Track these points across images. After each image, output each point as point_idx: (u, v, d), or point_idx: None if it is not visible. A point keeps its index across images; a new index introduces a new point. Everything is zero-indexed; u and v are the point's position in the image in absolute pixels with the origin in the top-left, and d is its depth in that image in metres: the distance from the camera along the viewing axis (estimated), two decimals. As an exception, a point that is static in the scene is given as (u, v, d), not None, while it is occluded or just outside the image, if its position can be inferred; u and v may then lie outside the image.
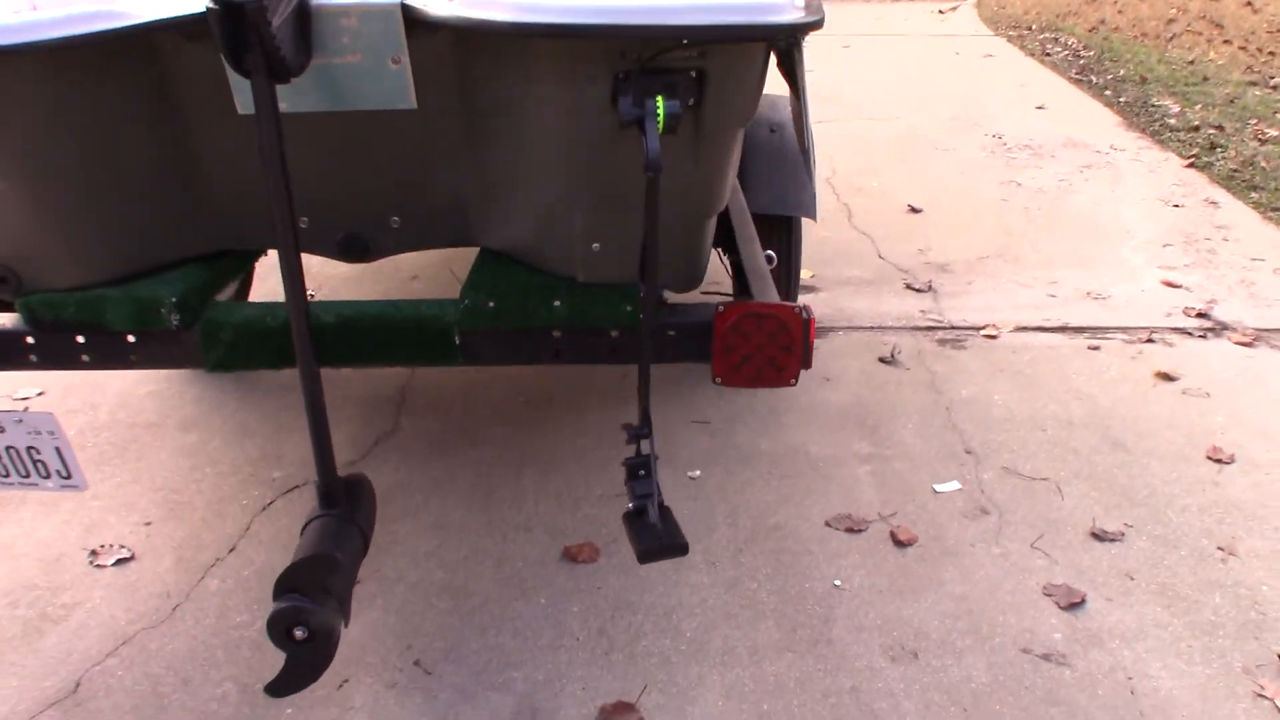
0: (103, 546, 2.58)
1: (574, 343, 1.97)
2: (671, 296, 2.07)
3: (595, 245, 1.89)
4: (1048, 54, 8.30)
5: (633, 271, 1.93)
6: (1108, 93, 7.14)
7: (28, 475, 2.17)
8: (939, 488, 2.74)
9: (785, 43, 1.67)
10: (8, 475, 2.16)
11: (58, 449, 2.12)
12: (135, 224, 1.98)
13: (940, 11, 10.49)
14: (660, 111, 1.59)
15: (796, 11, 1.66)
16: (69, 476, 2.16)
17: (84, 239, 1.95)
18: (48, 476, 2.17)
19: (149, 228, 2.00)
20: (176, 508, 2.74)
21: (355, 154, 1.96)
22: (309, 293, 1.80)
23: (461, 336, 1.97)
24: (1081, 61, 8.03)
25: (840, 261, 4.31)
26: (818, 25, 1.67)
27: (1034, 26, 9.29)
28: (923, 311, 3.86)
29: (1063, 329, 3.73)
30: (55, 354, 2.07)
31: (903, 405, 3.18)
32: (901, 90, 7.17)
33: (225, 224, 2.07)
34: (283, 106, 1.83)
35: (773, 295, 2.04)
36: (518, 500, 2.71)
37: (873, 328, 3.73)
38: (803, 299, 3.91)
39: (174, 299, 1.97)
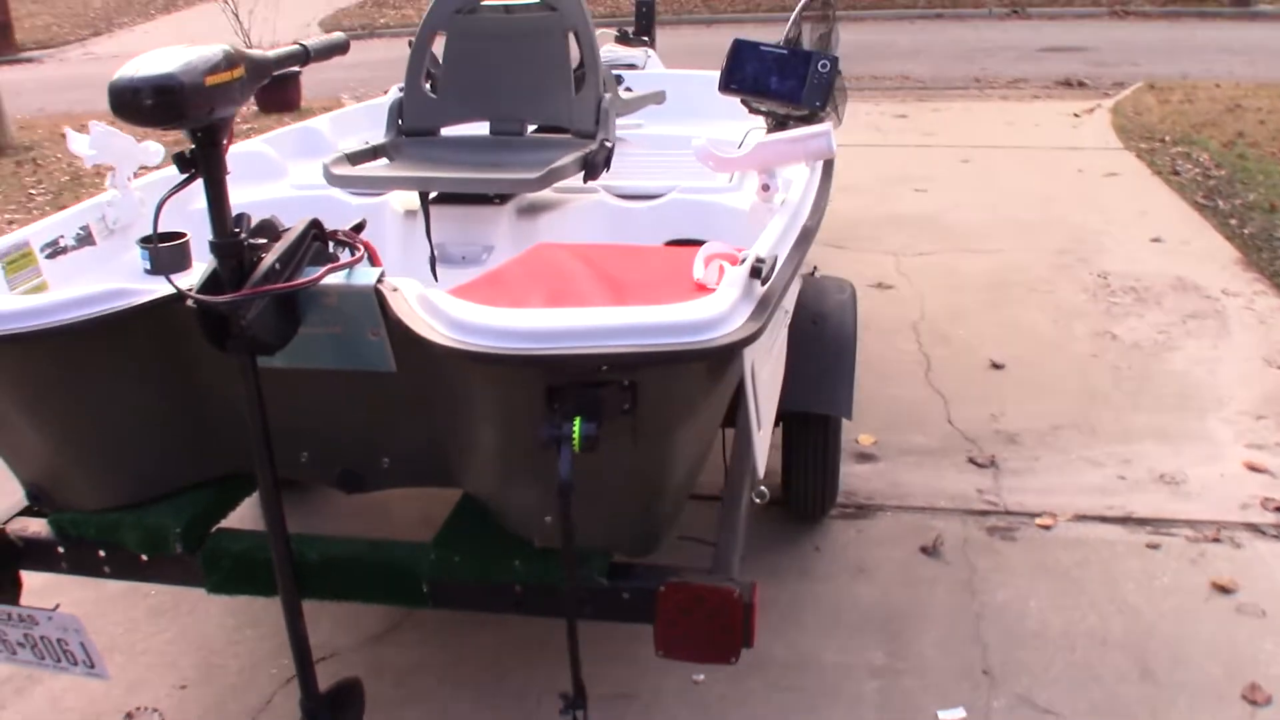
0: (138, 709, 2.77)
1: (533, 596, 2.05)
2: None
3: (548, 518, 1.97)
4: (1176, 172, 8.00)
5: (587, 537, 1.99)
6: (1233, 221, 6.84)
7: (59, 660, 2.40)
8: (943, 715, 2.69)
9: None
10: (43, 659, 2.39)
11: (83, 644, 2.32)
12: (150, 458, 2.17)
13: (1076, 115, 10.24)
14: (576, 435, 1.64)
15: (733, 327, 1.68)
16: (93, 667, 2.37)
17: (103, 472, 2.15)
18: (75, 664, 2.39)
19: (162, 461, 2.19)
20: (212, 671, 2.92)
21: (346, 401, 2.10)
22: None
23: (430, 585, 2.08)
24: (1211, 183, 7.72)
25: (907, 425, 4.26)
26: (755, 338, 1.70)
27: (1167, 139, 8.97)
28: (980, 491, 3.78)
29: (1125, 520, 3.59)
30: (81, 564, 2.28)
31: (932, 608, 3.13)
32: (1013, 215, 7.03)
33: (232, 453, 2.23)
34: (274, 363, 1.98)
35: (730, 562, 2.06)
36: (523, 695, 2.79)
37: (924, 509, 3.68)
38: (858, 469, 3.89)
39: (179, 529, 2.14)
